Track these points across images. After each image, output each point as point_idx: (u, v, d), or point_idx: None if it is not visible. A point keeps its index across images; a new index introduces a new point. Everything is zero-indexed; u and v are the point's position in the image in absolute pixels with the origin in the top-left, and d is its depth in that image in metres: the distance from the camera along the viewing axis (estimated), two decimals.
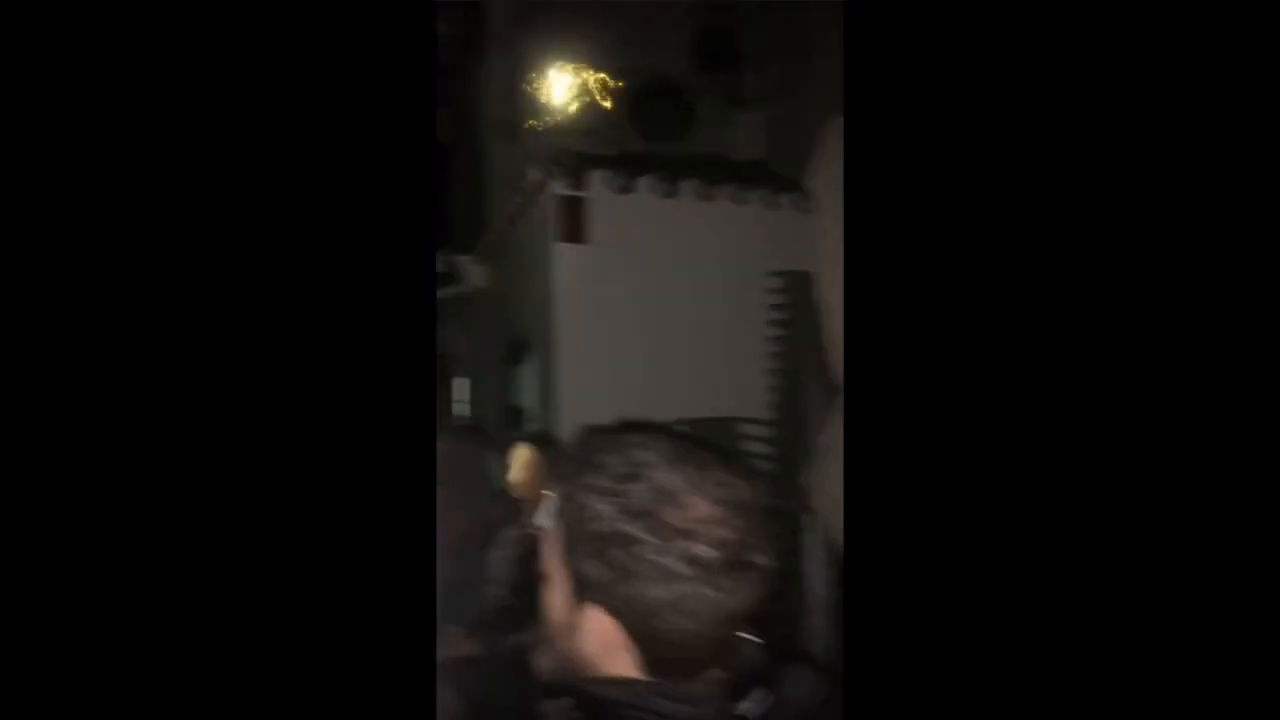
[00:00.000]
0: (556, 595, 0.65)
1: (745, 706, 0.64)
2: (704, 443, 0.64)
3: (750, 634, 0.63)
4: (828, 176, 1.79)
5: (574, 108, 3.58)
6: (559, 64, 3.61)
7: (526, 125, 3.72)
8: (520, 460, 2.25)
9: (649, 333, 2.97)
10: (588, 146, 2.92)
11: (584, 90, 3.56)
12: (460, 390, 6.63)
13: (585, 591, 0.62)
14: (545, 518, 0.65)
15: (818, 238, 1.84)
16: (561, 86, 3.63)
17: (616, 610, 0.60)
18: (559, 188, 2.68)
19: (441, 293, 5.08)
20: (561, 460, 0.71)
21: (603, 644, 0.61)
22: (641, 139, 3.64)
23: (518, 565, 2.16)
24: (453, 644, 1.76)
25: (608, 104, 3.51)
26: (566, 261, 2.78)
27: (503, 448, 3.75)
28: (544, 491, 2.15)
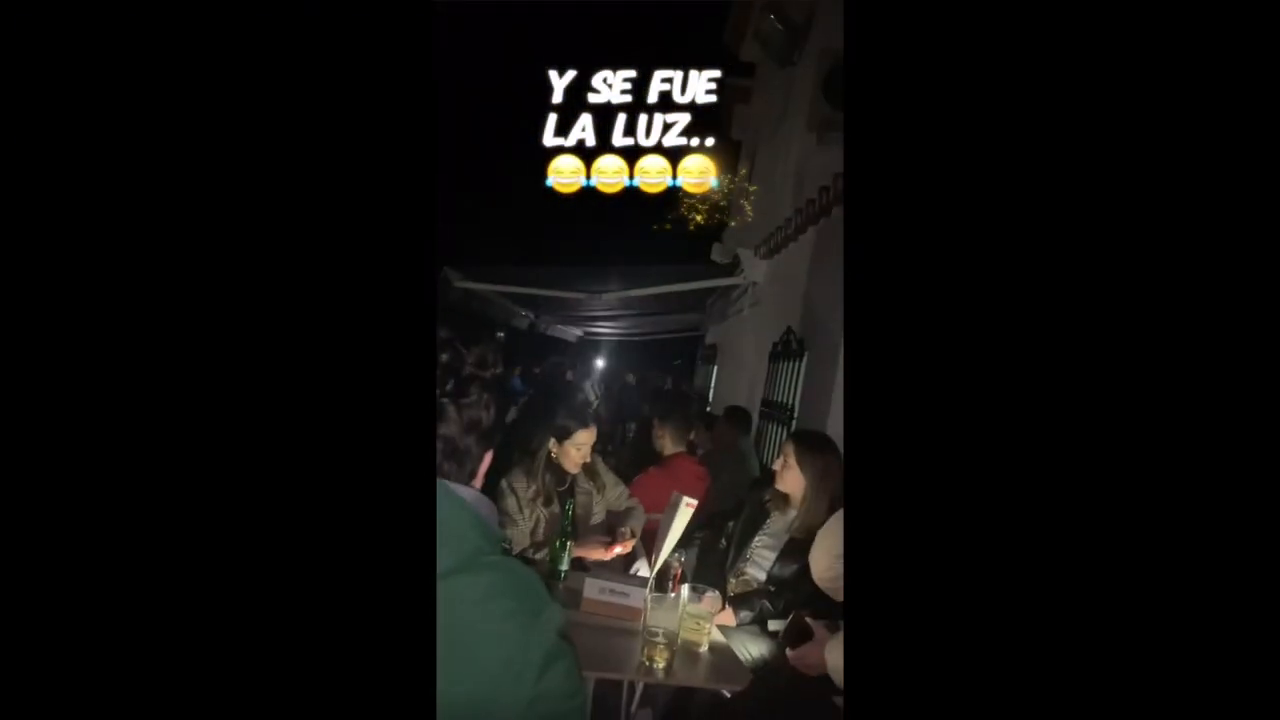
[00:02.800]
0: None
1: None
2: None
3: None
4: None
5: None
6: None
7: (832, 129, 3.71)
8: (786, 455, 2.27)
9: None
10: None
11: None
12: (715, 377, 6.90)
13: None
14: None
15: None
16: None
17: None
18: None
19: (720, 282, 5.31)
20: None
21: None
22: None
23: (779, 558, 2.21)
24: (708, 602, 1.86)
25: None
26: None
27: (764, 437, 3.85)
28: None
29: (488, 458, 0.82)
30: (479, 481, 0.82)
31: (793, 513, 2.26)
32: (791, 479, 2.23)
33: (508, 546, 2.17)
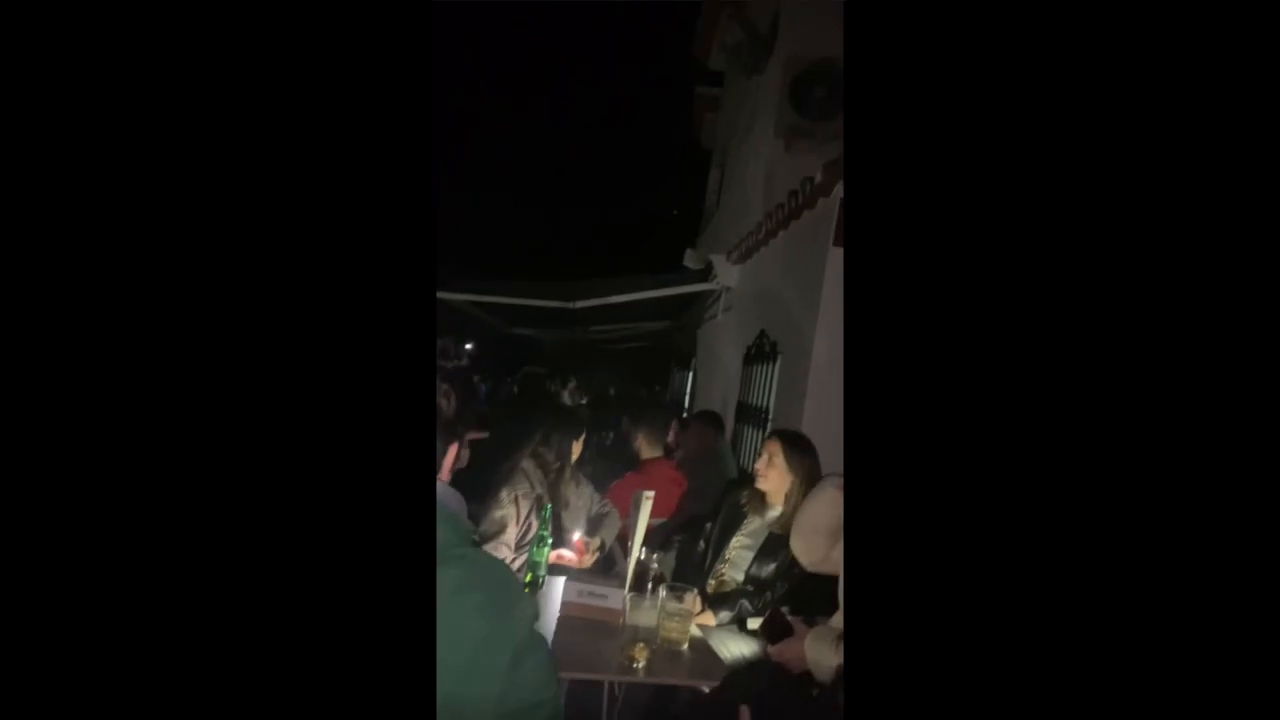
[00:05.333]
0: None
1: None
2: None
3: None
4: None
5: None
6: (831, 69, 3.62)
7: (804, 129, 3.76)
8: (771, 454, 2.27)
9: None
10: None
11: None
12: (691, 381, 6.93)
13: None
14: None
15: None
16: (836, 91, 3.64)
17: None
18: (840, 193, 2.68)
19: (694, 287, 5.33)
20: None
21: None
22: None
23: (757, 557, 2.21)
24: (688, 600, 1.86)
25: None
26: (837, 267, 2.78)
27: (740, 440, 3.87)
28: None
29: (452, 451, 0.81)
30: (445, 475, 0.81)
31: (771, 512, 2.27)
32: (775, 477, 2.24)
33: (477, 539, 2.16)
